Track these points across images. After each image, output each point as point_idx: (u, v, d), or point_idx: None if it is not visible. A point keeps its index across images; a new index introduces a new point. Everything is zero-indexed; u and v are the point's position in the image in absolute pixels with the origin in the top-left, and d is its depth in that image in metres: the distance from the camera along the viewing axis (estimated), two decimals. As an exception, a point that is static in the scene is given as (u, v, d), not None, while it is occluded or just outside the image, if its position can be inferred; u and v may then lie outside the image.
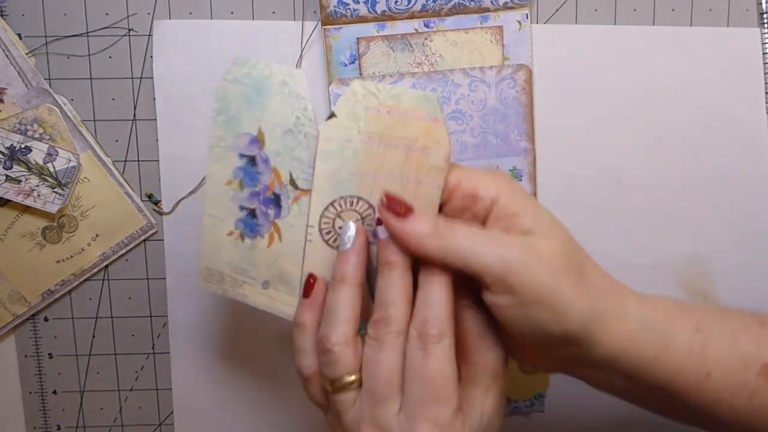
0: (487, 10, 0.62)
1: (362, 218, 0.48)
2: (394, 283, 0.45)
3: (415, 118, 0.44)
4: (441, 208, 0.46)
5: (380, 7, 0.61)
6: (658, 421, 0.71)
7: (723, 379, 0.45)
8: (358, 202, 0.47)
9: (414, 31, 0.62)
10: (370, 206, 0.47)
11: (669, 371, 0.45)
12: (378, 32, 0.62)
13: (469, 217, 0.45)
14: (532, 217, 0.44)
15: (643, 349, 0.44)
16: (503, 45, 0.62)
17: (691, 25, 0.65)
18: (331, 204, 0.48)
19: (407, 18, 0.62)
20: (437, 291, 0.44)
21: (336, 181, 0.47)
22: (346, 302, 0.46)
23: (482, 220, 0.45)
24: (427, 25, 0.62)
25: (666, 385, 0.45)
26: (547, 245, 0.43)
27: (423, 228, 0.44)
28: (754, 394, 0.45)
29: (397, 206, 0.44)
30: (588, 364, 0.46)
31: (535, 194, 0.65)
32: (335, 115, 0.46)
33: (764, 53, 0.65)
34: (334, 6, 0.60)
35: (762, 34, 0.65)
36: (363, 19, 0.61)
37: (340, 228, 0.48)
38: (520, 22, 0.62)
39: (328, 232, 0.48)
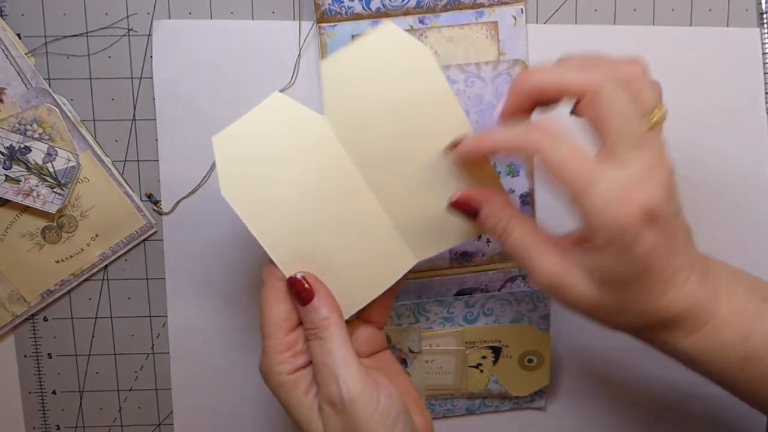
0: (482, 5, 0.62)
1: None
2: None
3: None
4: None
5: (375, 5, 0.61)
6: (659, 416, 0.71)
7: (750, 393, 0.50)
8: None
9: (409, 28, 0.62)
10: None
11: (697, 371, 0.49)
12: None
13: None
14: (600, 266, 0.45)
15: (674, 357, 0.49)
16: (498, 40, 0.62)
17: (690, 25, 0.65)
18: None
19: (402, 15, 0.62)
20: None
21: None
22: None
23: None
24: (422, 22, 0.62)
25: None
26: (586, 294, 0.46)
27: (489, 223, 0.50)
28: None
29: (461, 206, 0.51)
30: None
31: (532, 191, 0.65)
32: None
33: (764, 53, 0.65)
34: (329, 4, 0.61)
35: (762, 34, 0.65)
36: (358, 17, 0.61)
37: None
38: (515, 17, 0.62)
39: None
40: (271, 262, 0.51)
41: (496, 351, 0.66)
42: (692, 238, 0.48)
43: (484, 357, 0.66)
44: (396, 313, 0.65)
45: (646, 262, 0.44)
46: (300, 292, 0.51)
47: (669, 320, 0.46)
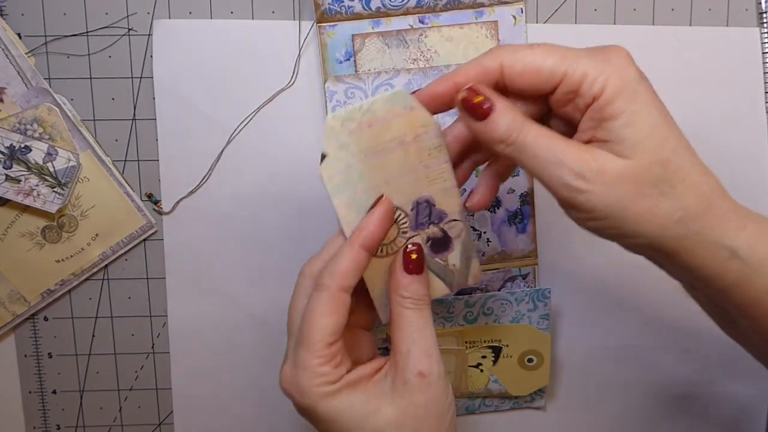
0: (482, 5, 0.62)
1: (397, 221, 0.49)
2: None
3: (395, 117, 0.46)
4: (551, 94, 0.45)
5: (375, 4, 0.61)
6: (658, 416, 0.71)
7: None
8: None
9: (409, 27, 0.62)
10: (397, 208, 0.48)
11: (745, 299, 0.44)
12: (373, 29, 0.62)
13: (571, 109, 0.44)
14: (626, 124, 0.42)
15: (723, 275, 0.44)
16: (498, 40, 0.62)
17: (690, 25, 0.65)
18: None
19: (402, 14, 0.62)
20: (346, 250, 0.47)
21: (357, 206, 0.48)
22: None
23: (582, 112, 0.44)
24: (422, 21, 0.62)
25: (737, 309, 0.45)
26: (616, 165, 0.42)
27: (497, 135, 0.44)
28: None
29: (476, 109, 0.45)
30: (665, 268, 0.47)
31: (532, 191, 0.65)
32: (326, 155, 0.46)
33: (764, 53, 0.65)
34: (329, 4, 0.61)
35: (761, 33, 0.65)
36: (358, 16, 0.61)
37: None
38: (515, 17, 0.62)
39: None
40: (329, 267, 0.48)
41: (496, 351, 0.66)
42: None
43: (484, 357, 0.66)
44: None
45: (660, 105, 0.44)
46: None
47: (714, 201, 0.43)
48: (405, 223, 0.49)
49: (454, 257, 0.51)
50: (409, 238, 0.50)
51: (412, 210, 0.49)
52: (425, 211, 0.49)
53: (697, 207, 0.43)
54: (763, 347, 0.48)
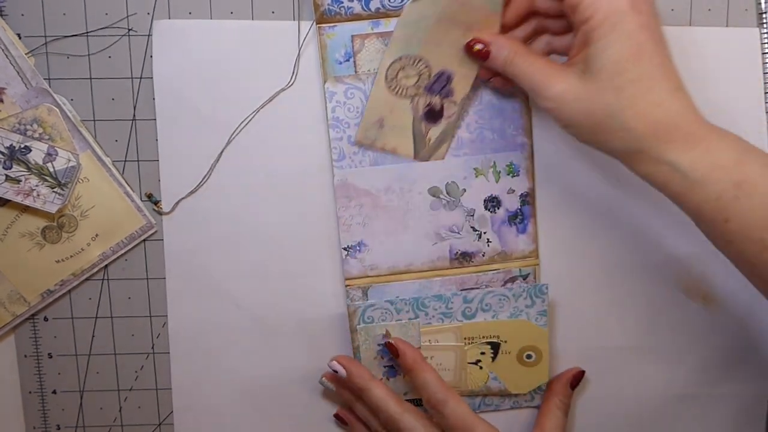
0: (481, 5, 0.62)
1: (419, 76, 0.61)
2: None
3: (480, 9, 0.58)
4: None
5: (374, 5, 0.61)
6: (656, 414, 0.71)
7: (740, 230, 0.50)
8: (419, 62, 0.61)
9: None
10: (428, 67, 0.61)
11: (691, 207, 0.52)
12: (372, 29, 0.62)
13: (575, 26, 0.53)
14: (598, 51, 0.51)
15: (667, 185, 0.52)
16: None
17: (690, 25, 0.65)
18: (399, 59, 0.61)
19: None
20: (427, 375, 0.63)
21: (407, 44, 0.60)
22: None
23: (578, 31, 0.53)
24: (421, 21, 0.62)
25: (689, 214, 0.53)
26: (576, 87, 0.52)
27: (498, 67, 0.58)
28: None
29: (478, 54, 0.59)
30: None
31: (533, 191, 0.65)
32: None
33: (763, 53, 0.65)
34: (328, 4, 0.61)
35: (761, 33, 0.65)
36: (357, 17, 0.61)
37: (401, 77, 0.62)
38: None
39: (392, 80, 0.62)
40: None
41: (495, 347, 0.66)
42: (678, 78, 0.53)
43: (482, 353, 0.66)
44: (395, 308, 0.65)
45: (638, 38, 0.50)
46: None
47: (665, 126, 0.51)
48: (425, 81, 0.61)
49: (434, 132, 0.63)
50: (419, 95, 0.62)
51: (435, 75, 0.61)
52: (443, 82, 0.61)
53: (644, 130, 0.51)
54: (726, 253, 0.54)
